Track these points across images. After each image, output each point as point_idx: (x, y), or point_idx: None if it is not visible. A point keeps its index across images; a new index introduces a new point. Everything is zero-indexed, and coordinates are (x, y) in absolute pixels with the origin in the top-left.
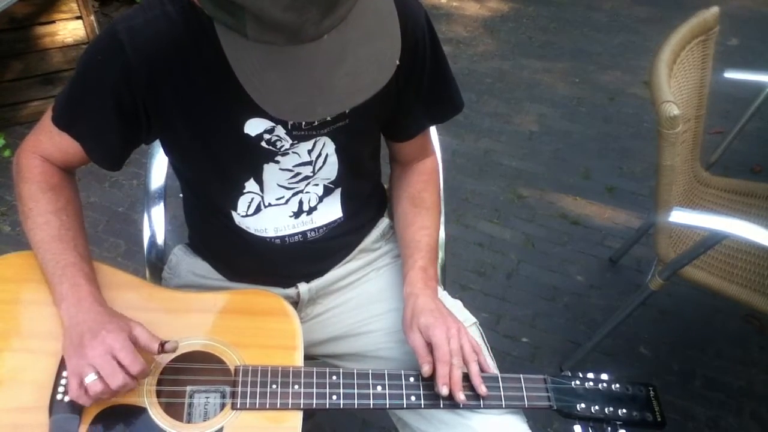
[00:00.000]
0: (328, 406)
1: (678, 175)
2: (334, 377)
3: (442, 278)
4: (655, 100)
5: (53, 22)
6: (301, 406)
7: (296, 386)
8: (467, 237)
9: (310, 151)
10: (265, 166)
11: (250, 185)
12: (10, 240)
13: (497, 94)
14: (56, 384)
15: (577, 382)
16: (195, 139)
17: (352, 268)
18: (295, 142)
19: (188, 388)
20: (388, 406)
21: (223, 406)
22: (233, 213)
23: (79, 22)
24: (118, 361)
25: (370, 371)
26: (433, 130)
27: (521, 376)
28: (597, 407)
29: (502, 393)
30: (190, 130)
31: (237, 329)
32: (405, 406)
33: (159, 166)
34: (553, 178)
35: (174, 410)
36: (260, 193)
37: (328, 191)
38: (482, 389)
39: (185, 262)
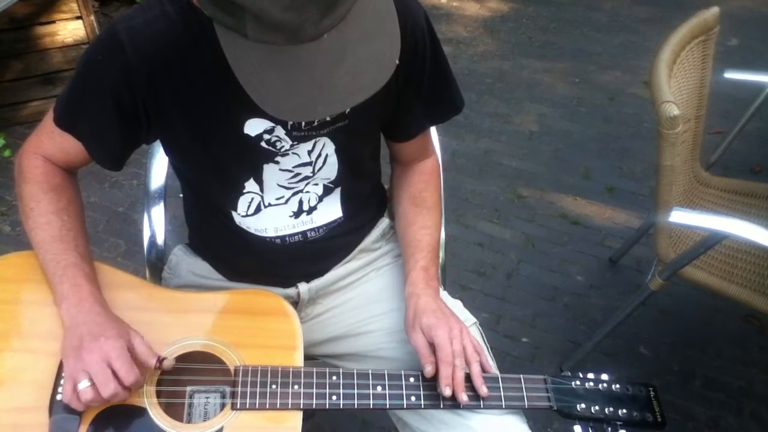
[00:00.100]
0: (327, 407)
1: (678, 175)
2: (334, 377)
3: (443, 278)
4: (655, 100)
5: (53, 22)
6: (301, 406)
7: (296, 386)
8: (467, 237)
9: (309, 152)
10: (265, 167)
11: (250, 185)
12: (10, 240)
13: (497, 94)
14: (56, 384)
15: (577, 383)
16: (195, 140)
17: (352, 268)
18: (295, 142)
19: (188, 389)
20: (388, 407)
21: (223, 406)
22: (233, 213)
23: (79, 22)
24: (113, 369)
25: (370, 371)
26: (433, 130)
27: (521, 376)
28: (597, 407)
29: (502, 393)
30: (190, 130)
31: (237, 329)
32: (405, 406)
33: (159, 166)
34: (553, 178)
35: (174, 410)
36: (260, 193)
37: (327, 191)
38: (483, 390)
39: (185, 262)
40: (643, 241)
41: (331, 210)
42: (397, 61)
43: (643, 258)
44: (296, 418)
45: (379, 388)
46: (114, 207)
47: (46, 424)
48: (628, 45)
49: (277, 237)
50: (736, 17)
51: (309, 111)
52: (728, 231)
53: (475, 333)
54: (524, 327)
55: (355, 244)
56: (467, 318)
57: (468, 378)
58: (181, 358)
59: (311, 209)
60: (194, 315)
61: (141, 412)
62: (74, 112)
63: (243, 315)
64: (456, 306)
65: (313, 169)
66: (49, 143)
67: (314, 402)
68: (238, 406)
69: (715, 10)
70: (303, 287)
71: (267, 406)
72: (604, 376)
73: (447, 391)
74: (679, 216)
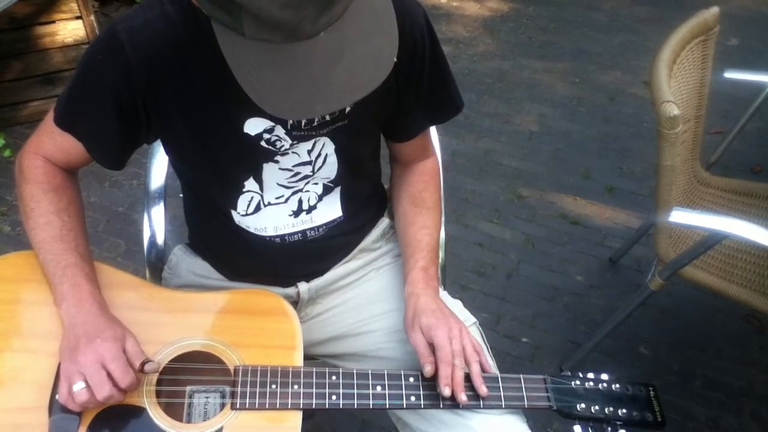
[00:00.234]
0: (327, 406)
1: (678, 175)
2: (334, 377)
3: (442, 278)
4: (655, 100)
5: (53, 22)
6: (301, 406)
7: (296, 386)
8: (467, 237)
9: (309, 151)
10: (265, 166)
11: (250, 184)
12: (10, 240)
13: (497, 94)
14: (56, 384)
15: (577, 382)
16: (194, 139)
17: (352, 267)
18: (295, 142)
19: (188, 388)
20: (387, 407)
21: (222, 406)
22: (233, 212)
23: (79, 22)
24: (108, 372)
25: (370, 371)
26: (433, 131)
27: (521, 376)
28: (597, 407)
29: (502, 393)
30: (190, 130)
31: (237, 329)
32: (405, 406)
33: (159, 166)
34: (553, 178)
35: (174, 410)
36: (260, 192)
37: (327, 190)
38: (483, 389)
39: (185, 262)
40: (643, 241)
41: (331, 209)
42: (395, 59)
43: (643, 258)
44: (296, 418)
45: (378, 388)
46: (114, 207)
47: (45, 424)
48: (628, 45)
49: (277, 236)
50: (736, 17)
51: (307, 109)
52: (728, 231)
53: (475, 333)
54: (524, 327)
55: (355, 243)
56: (467, 318)
57: (468, 378)
58: (180, 358)
59: (311, 208)
60: (194, 315)
61: (141, 411)
62: (74, 112)
63: (243, 315)
64: (456, 306)
65: (313, 168)
66: (50, 143)
67: (314, 402)
68: (238, 406)
69: (715, 10)
70: (303, 287)
71: (267, 406)
72: (604, 376)
73: (446, 391)
74: (679, 216)
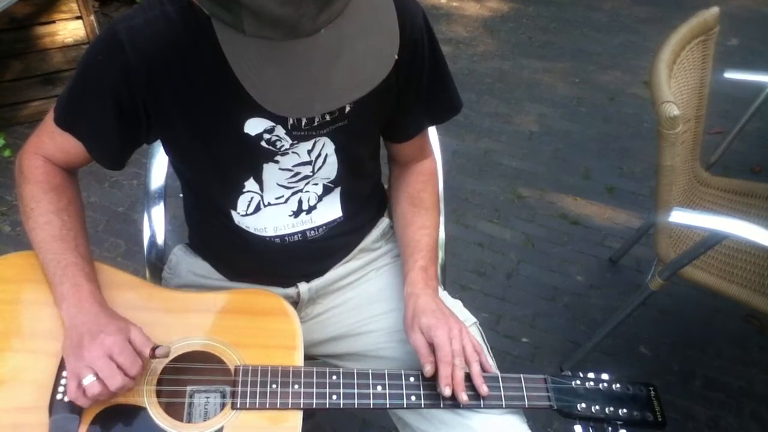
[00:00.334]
0: (328, 406)
1: (678, 175)
2: (334, 377)
3: (442, 278)
4: (655, 100)
5: (53, 22)
6: (301, 406)
7: (296, 386)
8: (467, 237)
9: (309, 151)
10: (265, 166)
11: (250, 184)
12: (10, 240)
13: (497, 94)
14: (56, 384)
15: (578, 382)
16: (195, 139)
17: (352, 267)
18: (295, 142)
19: (188, 388)
20: (388, 406)
21: (223, 405)
22: (233, 212)
23: (79, 22)
24: (116, 363)
25: (370, 371)
26: (432, 131)
27: (521, 376)
28: (597, 407)
29: (502, 393)
30: (190, 129)
31: (237, 329)
32: (405, 406)
33: (159, 166)
34: (553, 178)
35: (174, 410)
36: (260, 192)
37: (327, 190)
38: (483, 389)
39: (185, 262)
40: (643, 241)
41: (331, 210)
42: (396, 56)
43: (643, 258)
44: (296, 418)
45: (379, 388)
46: (114, 207)
47: (46, 424)
48: (628, 45)
49: (277, 236)
50: (736, 17)
51: (307, 107)
52: (728, 231)
53: (475, 333)
54: (524, 327)
55: (355, 243)
56: (467, 318)
57: (468, 378)
58: (181, 358)
59: (311, 209)
60: (194, 315)
61: (141, 411)
62: (74, 111)
63: (243, 315)
64: (456, 306)
65: (313, 168)
66: (50, 143)
67: (314, 402)
68: (238, 406)
69: (715, 10)
70: (303, 287)
71: (267, 406)
72: (605, 376)
73: (447, 391)
74: (679, 216)
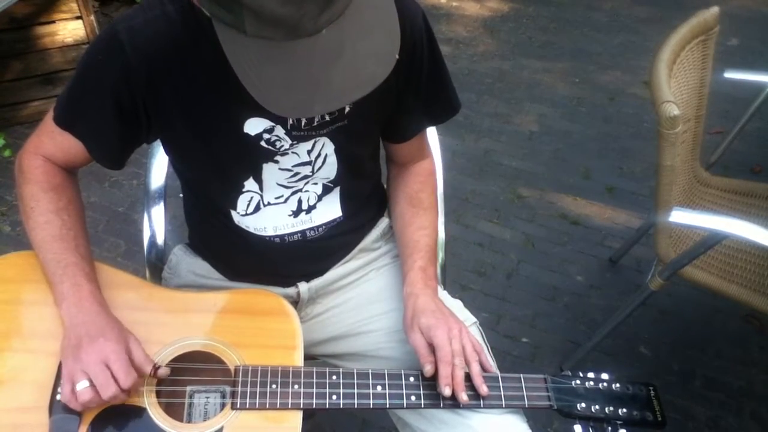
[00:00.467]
0: (327, 406)
1: (678, 175)
2: (334, 377)
3: (442, 278)
4: (655, 100)
5: (53, 22)
6: (301, 406)
7: (296, 386)
8: (467, 237)
9: (309, 151)
10: (265, 166)
11: (249, 184)
12: (10, 240)
13: (497, 94)
14: (56, 384)
15: (578, 382)
16: (195, 139)
17: (352, 267)
18: (295, 142)
19: (188, 388)
20: (388, 406)
21: (223, 406)
22: (232, 212)
23: (79, 22)
24: (111, 372)
25: (370, 371)
26: (432, 131)
27: (521, 375)
28: (597, 407)
29: (502, 393)
30: (190, 129)
31: (237, 329)
32: (405, 405)
33: (159, 166)
34: (553, 178)
35: (174, 410)
36: (259, 192)
37: (327, 190)
38: (483, 389)
39: (185, 262)
40: (643, 241)
41: (331, 209)
42: (397, 56)
43: (643, 258)
44: (296, 418)
45: (379, 388)
46: (114, 207)
47: (46, 424)
48: (628, 45)
49: (277, 236)
50: (736, 17)
51: (308, 107)
52: (728, 231)
53: (475, 333)
54: (524, 327)
55: (355, 243)
56: (467, 318)
57: (468, 377)
58: (180, 358)
59: (310, 208)
60: (194, 315)
61: (141, 412)
62: (74, 111)
63: (243, 315)
64: (456, 306)
65: (313, 168)
66: (50, 143)
67: (314, 402)
68: (238, 406)
69: (715, 10)
70: (303, 287)
71: (267, 406)
72: (605, 376)
73: (447, 391)
74: (679, 216)
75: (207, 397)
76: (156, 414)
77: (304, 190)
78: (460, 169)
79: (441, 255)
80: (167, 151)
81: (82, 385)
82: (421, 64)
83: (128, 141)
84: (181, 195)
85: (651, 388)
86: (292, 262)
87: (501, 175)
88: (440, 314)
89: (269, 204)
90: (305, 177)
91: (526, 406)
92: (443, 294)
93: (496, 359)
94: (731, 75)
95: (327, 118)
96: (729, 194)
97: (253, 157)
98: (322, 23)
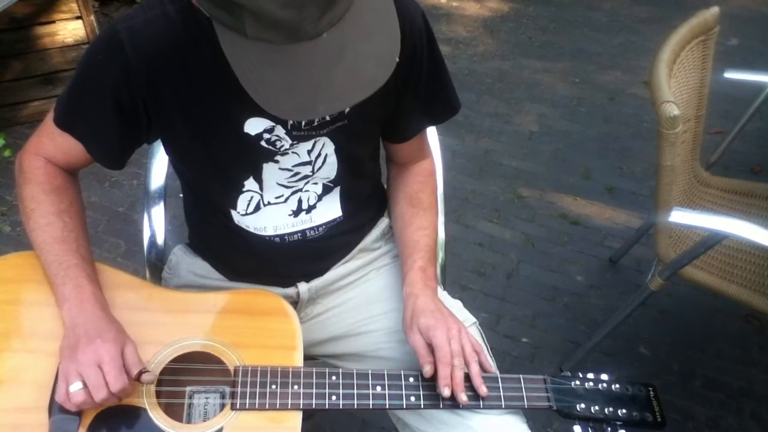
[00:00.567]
0: (327, 407)
1: (678, 175)
2: (334, 377)
3: (442, 278)
4: (655, 100)
5: (53, 22)
6: (301, 407)
7: (296, 386)
8: (467, 237)
9: (309, 151)
10: (265, 166)
11: (250, 184)
12: (10, 240)
13: (497, 94)
14: (56, 384)
15: (577, 383)
16: (195, 139)
17: (351, 267)
18: (295, 142)
19: (188, 389)
20: (387, 407)
21: (222, 406)
22: (232, 212)
23: (79, 22)
24: (103, 373)
25: (370, 371)
26: (432, 131)
27: (521, 376)
28: (597, 407)
29: (501, 393)
30: (190, 129)
31: (236, 329)
32: (404, 406)
33: (159, 166)
34: (553, 178)
35: (173, 411)
36: (259, 191)
37: (327, 190)
38: (483, 389)
39: (185, 262)
40: (643, 241)
41: (331, 209)
42: (398, 59)
43: (643, 258)
44: (296, 418)
45: (378, 388)
46: (114, 207)
47: (45, 424)
48: (628, 45)
49: (276, 236)
50: (736, 17)
51: (309, 110)
52: (728, 231)
53: (475, 333)
54: (524, 327)
55: (355, 243)
56: (467, 318)
57: (467, 378)
58: (180, 359)
59: (310, 208)
60: (194, 315)
61: (140, 412)
62: (74, 112)
63: (243, 315)
64: (456, 306)
65: (313, 168)
66: (50, 144)
67: (314, 402)
68: (238, 407)
69: (715, 10)
70: (303, 287)
71: (267, 406)
72: (604, 376)
73: (446, 392)
74: (679, 216)
75: (207, 398)
76: (155, 414)
77: (304, 189)
78: (460, 169)
79: (441, 255)
80: (167, 151)
81: (76, 386)
82: (421, 64)
83: (128, 141)
84: (181, 195)
85: (650, 388)
86: (292, 262)
87: (501, 175)
88: (439, 314)
89: (269, 204)
90: (305, 177)
91: (526, 406)
92: (443, 294)
93: (496, 359)
94: (731, 75)
95: (327, 118)
96: (729, 194)
97: (253, 157)
98: (323, 26)
